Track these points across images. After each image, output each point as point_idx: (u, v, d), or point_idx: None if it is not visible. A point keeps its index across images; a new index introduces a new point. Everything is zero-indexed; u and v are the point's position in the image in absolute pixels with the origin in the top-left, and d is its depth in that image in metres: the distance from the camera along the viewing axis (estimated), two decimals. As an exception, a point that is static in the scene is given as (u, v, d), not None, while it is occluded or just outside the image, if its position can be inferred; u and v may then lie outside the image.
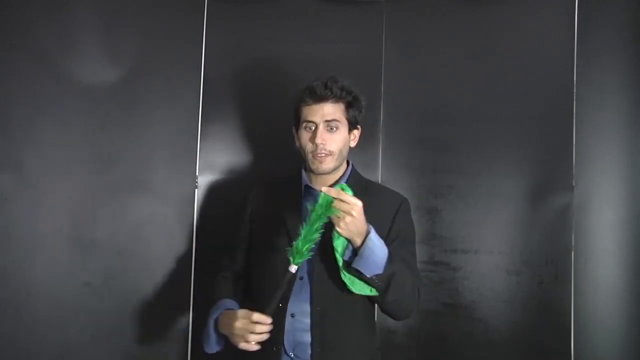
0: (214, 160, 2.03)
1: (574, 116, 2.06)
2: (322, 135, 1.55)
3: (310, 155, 1.57)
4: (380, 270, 1.40)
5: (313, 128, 1.56)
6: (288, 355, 1.52)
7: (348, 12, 2.09)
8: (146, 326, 1.96)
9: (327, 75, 1.58)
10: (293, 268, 1.39)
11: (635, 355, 2.02)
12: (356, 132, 1.66)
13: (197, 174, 2.01)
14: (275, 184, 1.72)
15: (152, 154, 2.00)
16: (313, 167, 1.58)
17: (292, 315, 1.53)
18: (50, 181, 1.94)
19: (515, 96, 2.06)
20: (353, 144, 1.66)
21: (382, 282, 1.41)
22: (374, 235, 1.39)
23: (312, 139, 1.56)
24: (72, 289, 1.93)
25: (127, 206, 1.97)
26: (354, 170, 1.67)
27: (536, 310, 2.01)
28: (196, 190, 2.01)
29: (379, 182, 2.03)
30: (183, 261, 1.99)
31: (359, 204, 1.36)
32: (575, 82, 2.06)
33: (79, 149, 1.96)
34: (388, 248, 1.43)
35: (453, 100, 2.07)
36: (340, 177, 1.64)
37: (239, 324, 1.42)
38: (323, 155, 1.55)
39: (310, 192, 1.62)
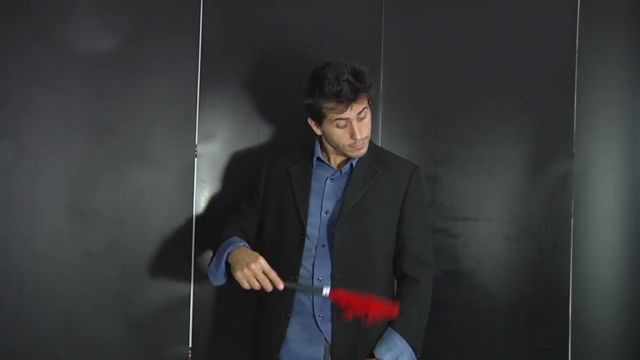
0: (214, 129, 2.01)
1: (576, 83, 2.05)
2: (360, 129, 1.56)
3: (347, 147, 1.59)
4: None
5: (345, 124, 1.56)
6: (316, 317, 1.59)
7: (347, -24, 2.06)
8: (147, 294, 1.97)
9: (335, 66, 1.52)
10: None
11: (634, 320, 2.04)
12: None
13: (196, 142, 2.00)
14: (288, 156, 1.74)
15: (150, 123, 1.98)
16: (352, 154, 1.62)
17: (319, 280, 1.59)
18: (48, 151, 1.92)
19: (517, 63, 2.05)
20: None
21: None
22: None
23: (351, 134, 1.56)
24: (73, 258, 1.92)
25: (127, 175, 1.96)
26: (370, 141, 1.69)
27: (535, 277, 2.03)
28: (196, 159, 2.00)
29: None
30: (183, 230, 1.99)
31: None
32: (577, 49, 2.05)
33: (77, 118, 1.94)
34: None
35: (454, 67, 2.05)
36: None
37: (254, 266, 1.44)
38: (362, 144, 1.59)
39: (321, 165, 1.67)
